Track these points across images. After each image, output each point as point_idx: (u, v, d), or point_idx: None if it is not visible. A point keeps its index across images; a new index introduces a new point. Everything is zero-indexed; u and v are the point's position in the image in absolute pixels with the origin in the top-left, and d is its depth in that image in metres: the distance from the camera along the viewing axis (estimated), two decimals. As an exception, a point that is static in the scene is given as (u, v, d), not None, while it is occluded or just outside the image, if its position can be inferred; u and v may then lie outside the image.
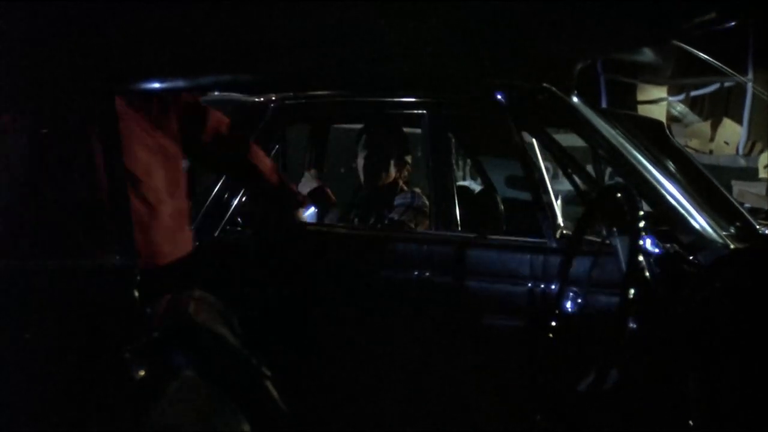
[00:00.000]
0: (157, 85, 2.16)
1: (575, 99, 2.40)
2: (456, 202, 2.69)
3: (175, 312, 1.89)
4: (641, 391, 2.12)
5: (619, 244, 2.08)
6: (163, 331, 1.80)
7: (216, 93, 3.27)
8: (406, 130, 3.30)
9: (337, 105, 2.93)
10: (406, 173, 3.17)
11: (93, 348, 1.97)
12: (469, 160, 4.69)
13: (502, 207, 3.34)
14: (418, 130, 2.92)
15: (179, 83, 2.23)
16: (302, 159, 3.64)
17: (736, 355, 2.11)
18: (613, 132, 2.48)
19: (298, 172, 3.57)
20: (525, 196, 3.60)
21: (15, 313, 2.13)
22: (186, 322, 1.85)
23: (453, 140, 3.18)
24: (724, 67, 2.45)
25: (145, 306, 1.87)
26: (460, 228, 2.67)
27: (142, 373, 1.72)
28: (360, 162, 3.18)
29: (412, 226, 2.93)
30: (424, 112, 2.78)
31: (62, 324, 2.21)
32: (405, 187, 3.15)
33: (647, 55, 2.54)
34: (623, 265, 2.04)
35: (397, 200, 3.07)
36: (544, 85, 2.35)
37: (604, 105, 2.64)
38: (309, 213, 2.63)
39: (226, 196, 2.60)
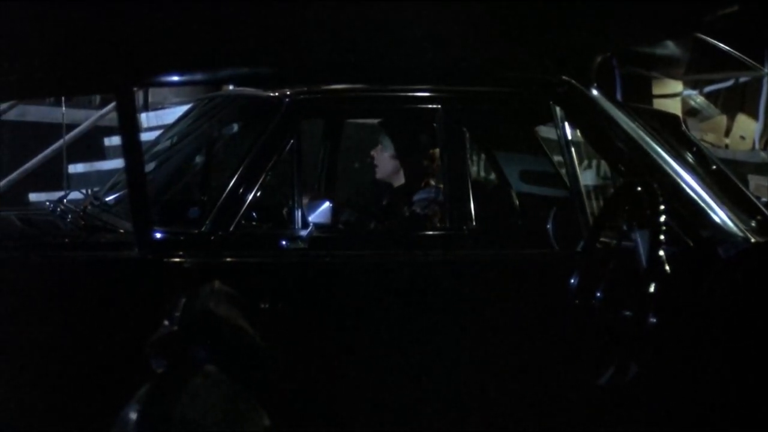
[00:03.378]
0: (175, 78, 2.18)
1: (595, 92, 2.39)
2: (471, 197, 2.69)
3: (195, 305, 1.89)
4: (660, 385, 2.12)
5: (639, 239, 2.07)
6: (183, 324, 1.80)
7: (231, 87, 3.29)
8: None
9: (352, 99, 2.91)
10: (435, 167, 3.15)
11: (113, 341, 1.98)
12: (483, 155, 4.67)
13: (517, 202, 3.33)
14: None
15: (197, 77, 2.25)
16: (316, 154, 3.64)
17: (757, 348, 2.11)
18: (632, 125, 2.47)
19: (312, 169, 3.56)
20: (540, 191, 3.58)
21: (27, 305, 2.15)
22: (206, 316, 1.86)
23: (467, 135, 3.17)
24: (747, 59, 2.44)
25: (164, 299, 1.88)
26: (474, 223, 2.67)
27: (162, 367, 1.73)
28: (384, 157, 3.14)
29: (435, 220, 2.92)
30: (439, 106, 2.76)
31: (81, 317, 2.22)
32: (432, 182, 3.13)
33: (669, 47, 2.54)
34: (643, 260, 2.04)
35: (421, 194, 3.05)
36: (564, 77, 2.35)
37: (619, 98, 2.65)
38: (323, 208, 2.61)
39: (241, 190, 2.60)
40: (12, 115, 5.72)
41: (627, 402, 2.07)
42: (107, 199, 3.01)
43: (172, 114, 5.15)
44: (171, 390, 1.63)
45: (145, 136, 4.43)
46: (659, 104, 3.16)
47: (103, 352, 2.18)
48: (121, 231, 2.61)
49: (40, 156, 5.42)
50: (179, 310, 1.91)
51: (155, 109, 6.23)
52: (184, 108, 3.84)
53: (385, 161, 3.15)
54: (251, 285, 2.42)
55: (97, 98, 6.35)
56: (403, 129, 3.13)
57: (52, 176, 5.03)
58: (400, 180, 3.17)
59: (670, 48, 2.68)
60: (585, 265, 2.17)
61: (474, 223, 2.66)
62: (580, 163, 2.62)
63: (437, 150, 3.11)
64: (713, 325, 2.18)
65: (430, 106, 2.80)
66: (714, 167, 2.62)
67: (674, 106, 6.08)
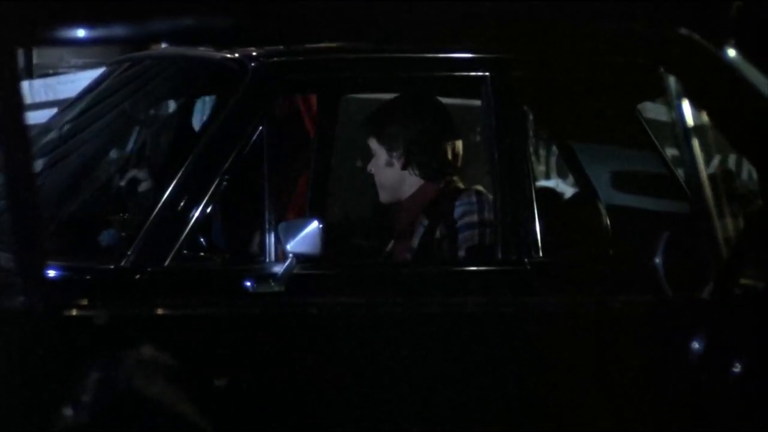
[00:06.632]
0: (81, 34, 2.20)
1: (731, 52, 2.41)
2: (535, 211, 2.72)
3: (114, 382, 1.92)
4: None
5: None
6: (96, 411, 1.83)
7: (164, 45, 3.32)
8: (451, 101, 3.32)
9: (351, 65, 2.94)
10: (458, 163, 3.18)
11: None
12: (555, 149, 4.71)
13: (608, 221, 3.36)
14: (477, 102, 2.94)
15: (116, 31, 2.27)
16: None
17: None
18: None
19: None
20: (643, 203, 3.60)
21: None
22: (131, 398, 1.88)
23: (531, 118, 3.20)
24: None
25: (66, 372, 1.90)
26: (540, 254, 2.69)
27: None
28: (379, 168, 3.17)
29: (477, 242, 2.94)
30: (486, 74, 2.80)
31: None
32: (461, 185, 3.15)
33: None
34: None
35: (458, 208, 3.06)
36: (683, 31, 2.36)
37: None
38: (309, 231, 2.64)
39: (183, 202, 2.62)
40: None
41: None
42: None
43: (72, 84, 5.21)
44: None
45: (30, 117, 4.49)
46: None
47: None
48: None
49: None
50: (89, 390, 1.94)
51: (44, 75, 6.30)
52: (91, 75, 3.89)
53: (381, 173, 3.17)
54: (199, 349, 2.46)
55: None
56: (396, 119, 3.16)
57: None
58: (409, 191, 3.19)
59: None
60: (716, 321, 2.19)
61: (540, 254, 2.69)
62: (707, 162, 2.64)
63: (459, 142, 3.15)
64: None
65: (472, 73, 2.83)
66: None
67: None
